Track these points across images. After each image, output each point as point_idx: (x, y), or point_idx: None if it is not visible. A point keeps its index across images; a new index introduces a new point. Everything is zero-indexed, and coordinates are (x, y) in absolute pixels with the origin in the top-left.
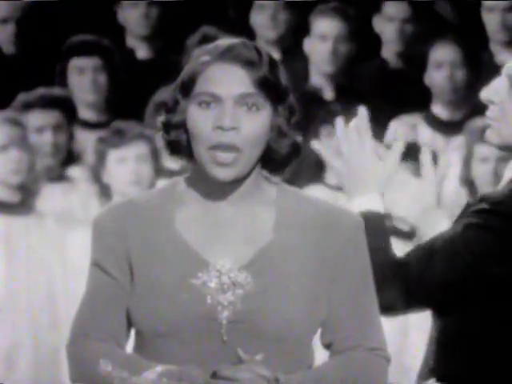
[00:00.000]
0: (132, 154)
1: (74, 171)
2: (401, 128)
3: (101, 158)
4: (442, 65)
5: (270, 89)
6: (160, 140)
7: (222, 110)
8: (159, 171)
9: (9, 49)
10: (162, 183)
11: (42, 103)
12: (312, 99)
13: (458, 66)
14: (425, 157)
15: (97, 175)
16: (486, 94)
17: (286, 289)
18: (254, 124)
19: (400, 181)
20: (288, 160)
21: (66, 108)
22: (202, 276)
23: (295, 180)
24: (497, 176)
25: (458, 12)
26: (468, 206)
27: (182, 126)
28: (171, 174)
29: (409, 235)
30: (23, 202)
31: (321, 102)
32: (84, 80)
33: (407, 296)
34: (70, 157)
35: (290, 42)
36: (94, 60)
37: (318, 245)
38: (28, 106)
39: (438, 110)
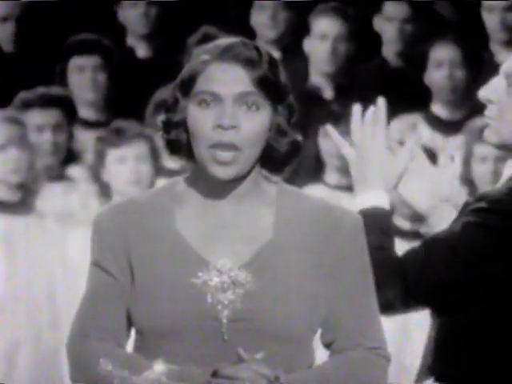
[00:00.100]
0: (132, 154)
1: (74, 170)
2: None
3: (100, 157)
4: (442, 64)
5: (269, 88)
6: (160, 139)
7: (222, 109)
8: (159, 170)
9: (9, 47)
10: (161, 183)
11: (41, 102)
12: (312, 99)
13: (457, 65)
14: (442, 146)
15: (96, 174)
16: (484, 93)
17: (286, 288)
18: (253, 123)
19: (418, 167)
20: (288, 159)
21: (66, 107)
22: (202, 275)
23: (295, 179)
24: (496, 175)
25: (458, 12)
26: (467, 204)
27: (182, 125)
28: (171, 173)
29: (411, 234)
30: (23, 201)
31: (320, 102)
32: (84, 79)
33: (406, 295)
34: (69, 156)
35: (289, 41)
36: (94, 59)
37: (317, 244)
38: (28, 105)
39: (438, 109)
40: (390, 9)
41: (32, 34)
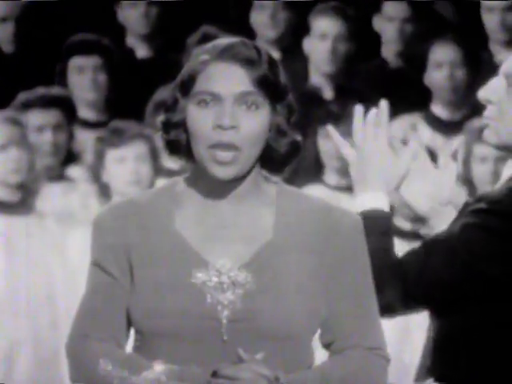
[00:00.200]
0: (131, 154)
1: (74, 171)
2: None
3: (100, 157)
4: (442, 65)
5: (269, 87)
6: (159, 139)
7: (222, 109)
8: (158, 171)
9: (8, 48)
10: (161, 183)
11: (41, 102)
12: (311, 99)
13: (457, 65)
14: (446, 149)
15: (96, 175)
16: (483, 93)
17: (285, 288)
18: (253, 123)
19: (420, 169)
20: (287, 159)
21: (66, 107)
22: (202, 275)
23: (294, 180)
24: (496, 175)
25: (458, 12)
26: (466, 205)
27: (182, 125)
28: (170, 173)
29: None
30: (23, 201)
31: (320, 102)
32: (84, 79)
33: (406, 296)
34: (69, 156)
35: (289, 41)
36: (94, 59)
37: (317, 244)
38: (28, 106)
39: (438, 109)
40: (389, 9)
41: (32, 34)
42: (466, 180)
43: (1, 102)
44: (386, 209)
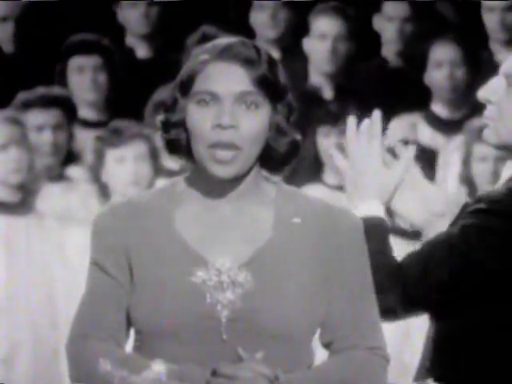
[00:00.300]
0: (131, 154)
1: (74, 171)
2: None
3: (99, 157)
4: (442, 64)
5: (268, 87)
6: (159, 139)
7: (221, 109)
8: (158, 171)
9: (8, 47)
10: (160, 183)
11: (41, 102)
12: (311, 98)
13: (457, 65)
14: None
15: (95, 175)
16: (483, 93)
17: (285, 287)
18: (253, 122)
19: (412, 181)
20: (287, 158)
21: (66, 107)
22: (202, 275)
23: (293, 179)
24: (496, 175)
25: (458, 11)
26: (466, 206)
27: (182, 124)
28: (170, 173)
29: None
30: (23, 201)
31: (320, 102)
32: (84, 79)
33: (407, 299)
34: (69, 156)
35: (289, 41)
36: (94, 59)
37: (317, 244)
38: (28, 105)
39: (438, 109)
40: (389, 8)
41: (32, 34)
42: (466, 179)
43: (1, 102)
44: (382, 215)
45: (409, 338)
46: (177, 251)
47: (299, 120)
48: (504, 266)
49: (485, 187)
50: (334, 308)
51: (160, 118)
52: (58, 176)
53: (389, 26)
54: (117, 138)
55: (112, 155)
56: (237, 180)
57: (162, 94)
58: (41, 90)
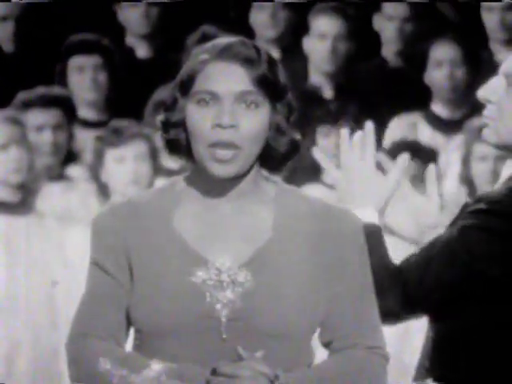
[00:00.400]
0: (130, 153)
1: (74, 170)
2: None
3: (99, 157)
4: (442, 64)
5: (268, 86)
6: (159, 139)
7: (221, 108)
8: (158, 170)
9: (8, 47)
10: (160, 182)
11: (41, 102)
12: (311, 98)
13: (457, 64)
14: (430, 175)
15: (95, 174)
16: (483, 93)
17: (284, 287)
18: (252, 121)
19: (403, 195)
20: (286, 158)
21: (66, 107)
22: (202, 274)
23: (293, 179)
24: (495, 175)
25: (458, 11)
26: (466, 206)
27: (181, 124)
28: (170, 173)
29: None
30: (23, 201)
31: (320, 101)
32: (84, 79)
33: (408, 302)
34: (69, 156)
35: (289, 40)
36: (94, 59)
37: (316, 244)
38: (28, 105)
39: (438, 108)
40: (389, 8)
41: (32, 34)
42: (466, 179)
43: (1, 102)
44: (377, 222)
45: (409, 337)
46: (177, 251)
47: (299, 120)
48: (504, 267)
49: (484, 187)
50: (334, 307)
51: (160, 117)
52: (57, 176)
53: (389, 25)
54: (117, 137)
55: (112, 155)
56: (237, 179)
57: (162, 93)
58: (41, 90)
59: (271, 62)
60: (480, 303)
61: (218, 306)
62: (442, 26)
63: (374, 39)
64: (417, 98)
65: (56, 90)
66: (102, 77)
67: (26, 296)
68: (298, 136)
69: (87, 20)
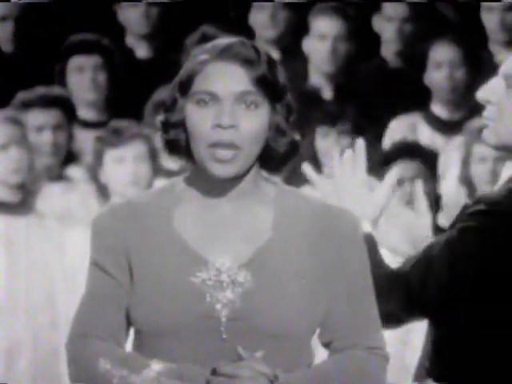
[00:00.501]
0: (130, 154)
1: (74, 171)
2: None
3: (98, 157)
4: (442, 64)
5: (268, 87)
6: (158, 139)
7: (221, 109)
8: (157, 171)
9: (8, 47)
10: (160, 183)
11: (41, 102)
12: (311, 99)
13: (457, 65)
14: (418, 190)
15: (95, 175)
16: (482, 94)
17: (284, 287)
18: (252, 122)
19: (393, 212)
20: (286, 158)
21: (66, 107)
22: (202, 274)
23: (293, 179)
24: (495, 176)
25: (458, 11)
26: (465, 207)
27: (181, 124)
28: (169, 173)
29: None
30: (23, 201)
31: (319, 102)
32: (83, 79)
33: (410, 305)
34: (69, 156)
35: (289, 41)
36: (94, 59)
37: (316, 244)
38: (27, 105)
39: (438, 109)
40: (389, 9)
41: (31, 34)
42: (466, 180)
43: (1, 102)
44: (369, 230)
45: (409, 337)
46: (176, 251)
47: (298, 120)
48: (504, 267)
49: (484, 188)
50: (334, 307)
51: (159, 118)
52: (57, 176)
53: (388, 26)
54: (116, 138)
55: (111, 155)
56: (237, 179)
57: (162, 94)
58: (41, 90)
59: (271, 62)
60: (480, 303)
61: (218, 306)
62: (442, 26)
63: (374, 40)
64: (416, 98)
65: (56, 90)
66: (102, 77)
67: (26, 296)
68: (297, 136)
69: (87, 20)
